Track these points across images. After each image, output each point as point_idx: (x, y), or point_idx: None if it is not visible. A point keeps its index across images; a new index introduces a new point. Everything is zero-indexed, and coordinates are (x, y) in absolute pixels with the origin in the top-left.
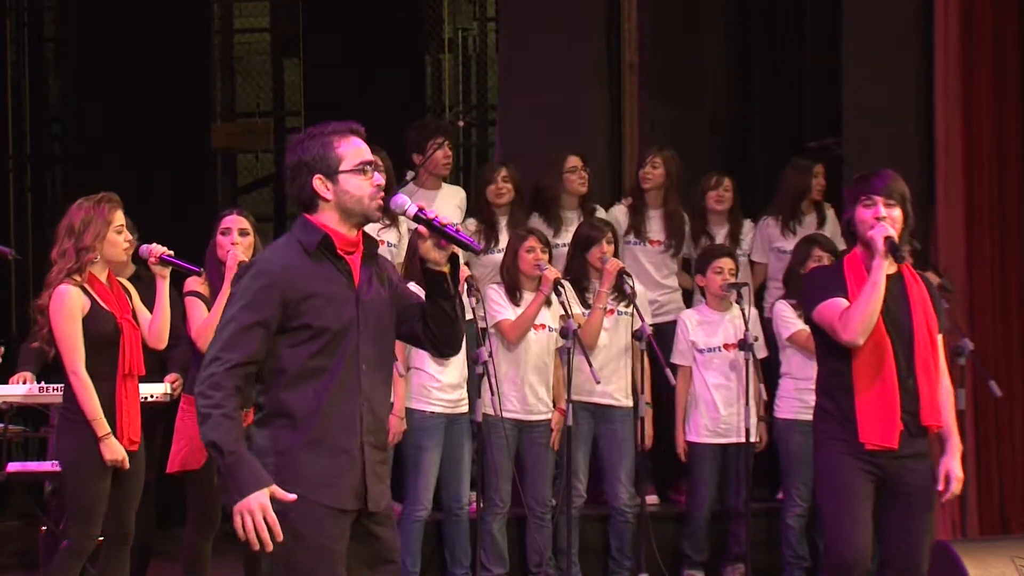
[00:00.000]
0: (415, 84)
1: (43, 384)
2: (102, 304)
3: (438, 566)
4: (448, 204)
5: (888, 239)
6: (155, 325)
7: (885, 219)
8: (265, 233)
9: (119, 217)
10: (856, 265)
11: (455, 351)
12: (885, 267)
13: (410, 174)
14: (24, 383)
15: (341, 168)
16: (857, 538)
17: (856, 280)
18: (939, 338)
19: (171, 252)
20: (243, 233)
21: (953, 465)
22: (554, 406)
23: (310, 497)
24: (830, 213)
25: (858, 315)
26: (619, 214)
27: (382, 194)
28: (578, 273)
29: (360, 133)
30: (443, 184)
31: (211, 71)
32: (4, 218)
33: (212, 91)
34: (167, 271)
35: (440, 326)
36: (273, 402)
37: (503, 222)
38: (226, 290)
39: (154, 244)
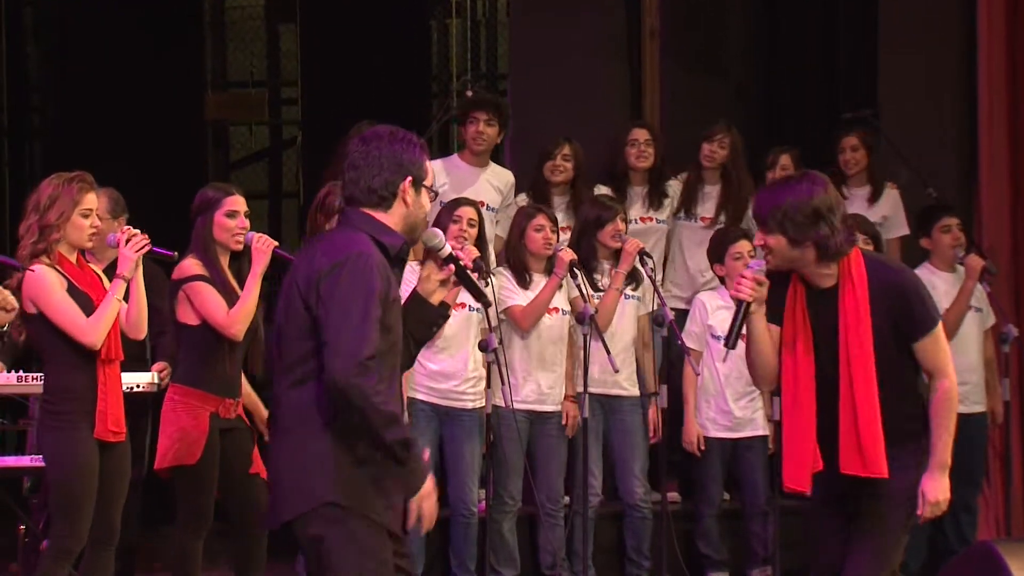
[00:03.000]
0: (420, 52)
1: (21, 373)
2: (77, 285)
3: (441, 568)
4: (488, 187)
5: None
6: (132, 314)
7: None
8: (259, 211)
9: (89, 200)
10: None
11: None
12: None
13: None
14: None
15: (425, 182)
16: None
17: None
18: (920, 343)
19: (147, 242)
20: (247, 216)
21: (929, 486)
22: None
23: (379, 520)
24: (893, 192)
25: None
26: (675, 189)
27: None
28: (588, 255)
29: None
30: (490, 163)
31: (202, 37)
32: None
33: (202, 59)
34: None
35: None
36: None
37: (561, 202)
38: (257, 276)
39: (126, 231)
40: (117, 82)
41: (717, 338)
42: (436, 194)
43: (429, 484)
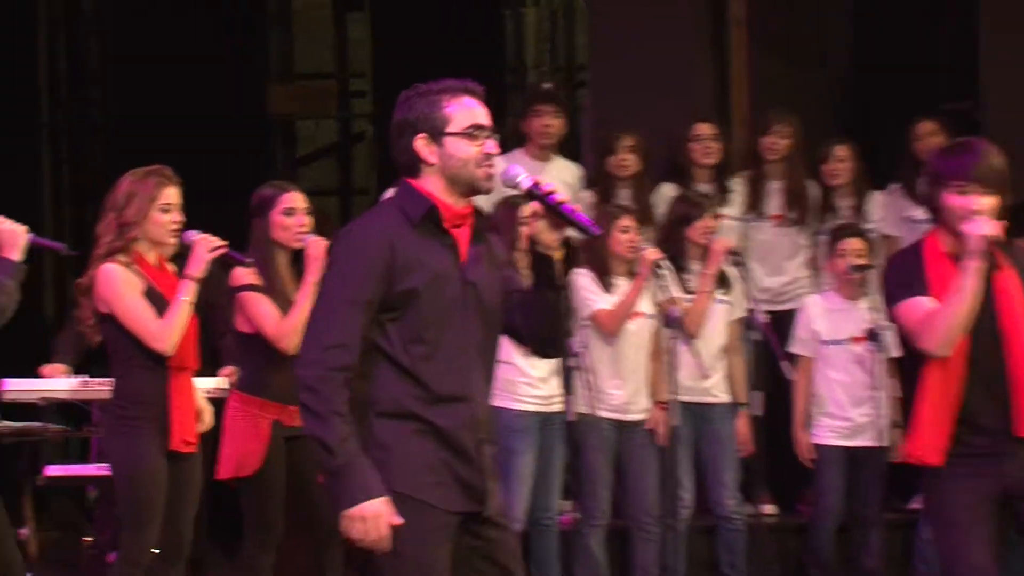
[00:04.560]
0: (494, 41)
1: (87, 378)
2: (155, 288)
3: None
4: (555, 180)
5: (984, 239)
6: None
7: (981, 212)
8: (328, 209)
9: (168, 194)
10: (938, 255)
11: (557, 352)
12: (978, 269)
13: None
14: (61, 375)
15: (448, 130)
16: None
17: (938, 274)
18: None
19: (224, 245)
20: (308, 213)
21: None
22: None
23: (418, 497)
24: None
25: (943, 324)
26: (735, 187)
27: (492, 163)
28: (675, 254)
29: (475, 93)
30: (553, 156)
31: (267, 27)
32: (38, 193)
33: (267, 50)
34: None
35: (542, 321)
36: (371, 391)
37: (624, 197)
38: (311, 284)
39: (199, 234)
40: (179, 75)
41: (826, 343)
42: (485, 129)
43: (367, 507)
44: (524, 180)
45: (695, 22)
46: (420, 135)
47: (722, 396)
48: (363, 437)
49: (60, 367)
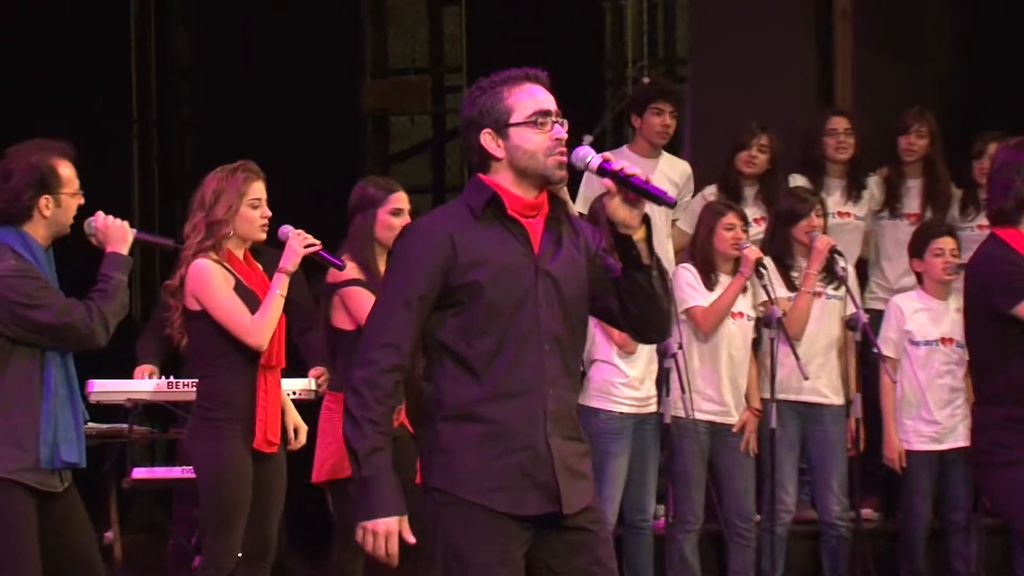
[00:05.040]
0: (593, 35)
1: (172, 379)
2: (246, 284)
3: None
4: (662, 179)
5: None
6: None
7: None
8: (421, 207)
9: (256, 189)
10: None
11: (661, 335)
12: None
13: (587, 138)
14: (149, 377)
15: (511, 120)
16: None
17: None
18: None
19: (318, 244)
20: (409, 214)
21: None
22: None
23: (479, 502)
24: None
25: None
26: (873, 186)
27: (562, 149)
28: (782, 251)
29: (538, 79)
30: (663, 152)
31: (360, 21)
32: (127, 190)
33: (361, 45)
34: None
35: (637, 303)
36: (434, 391)
37: (750, 195)
38: None
39: (295, 229)
40: (270, 70)
41: (916, 344)
42: (551, 115)
43: (381, 524)
44: (593, 159)
45: (798, 16)
46: (485, 130)
47: (834, 398)
48: (428, 440)
49: (149, 368)
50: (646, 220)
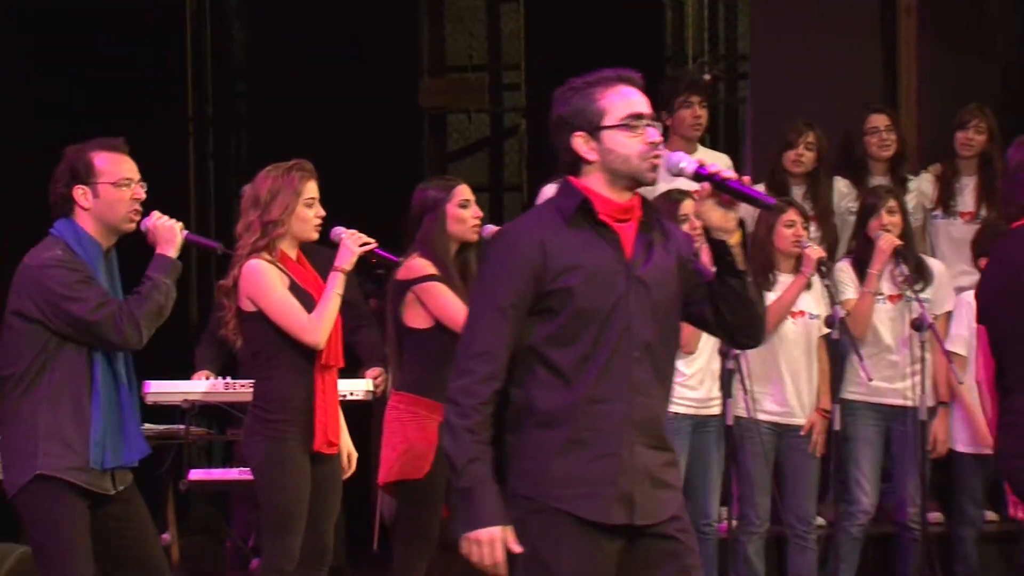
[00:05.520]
0: (653, 31)
1: (229, 380)
2: (299, 283)
3: None
4: None
5: None
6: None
7: None
8: (479, 206)
9: (311, 189)
10: None
11: (756, 340)
12: None
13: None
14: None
15: (604, 123)
16: None
17: None
18: None
19: (374, 242)
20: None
21: None
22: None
23: (565, 509)
24: None
25: None
26: (925, 184)
27: (657, 153)
28: (861, 250)
29: (632, 81)
30: (698, 147)
31: (417, 18)
32: (183, 188)
33: (418, 41)
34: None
35: (732, 309)
36: (523, 397)
37: (798, 194)
38: None
39: (347, 229)
40: (327, 67)
41: None
42: (644, 118)
43: (484, 533)
44: (688, 164)
45: (863, 10)
46: (577, 132)
47: (914, 399)
48: (514, 446)
49: (205, 374)
50: (741, 224)
